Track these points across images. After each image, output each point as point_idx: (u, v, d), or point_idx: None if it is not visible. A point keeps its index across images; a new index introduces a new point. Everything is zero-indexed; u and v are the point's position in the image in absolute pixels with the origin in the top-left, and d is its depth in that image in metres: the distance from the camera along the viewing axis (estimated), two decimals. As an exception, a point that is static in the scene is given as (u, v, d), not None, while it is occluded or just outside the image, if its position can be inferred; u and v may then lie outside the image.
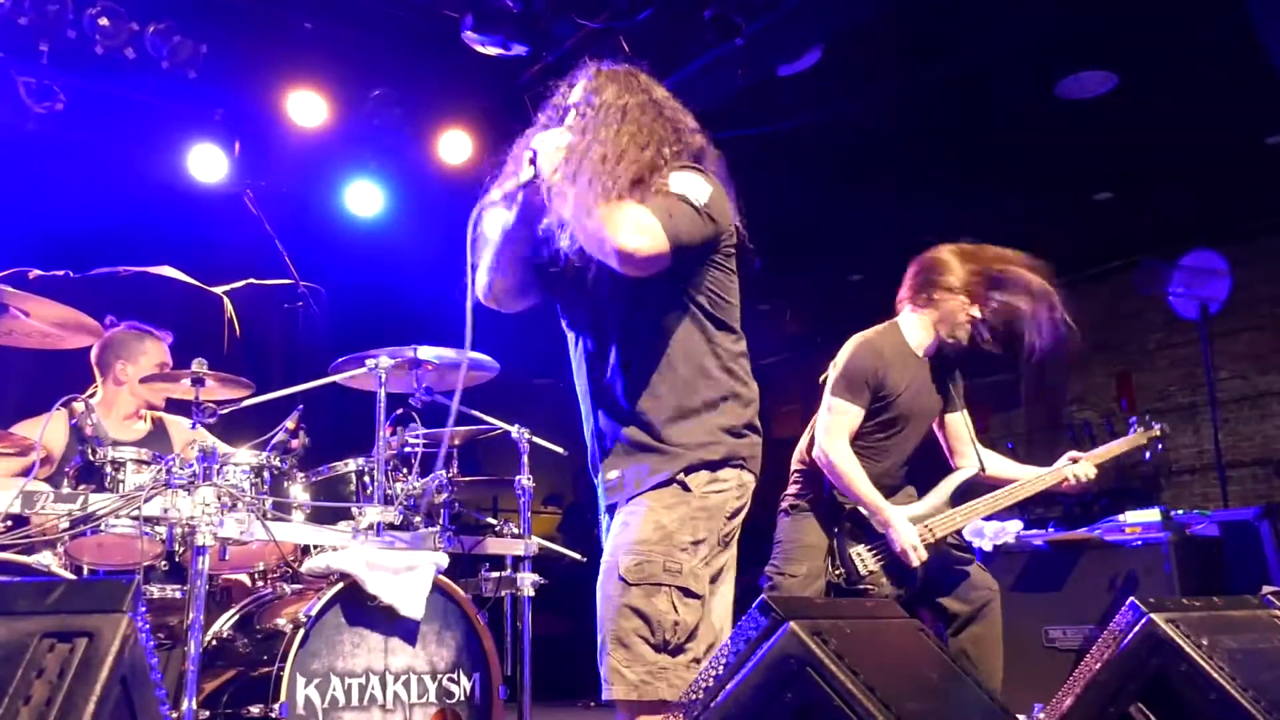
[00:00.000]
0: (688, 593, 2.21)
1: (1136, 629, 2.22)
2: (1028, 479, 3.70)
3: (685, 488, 2.26)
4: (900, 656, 2.10)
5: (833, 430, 3.48)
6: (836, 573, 3.48)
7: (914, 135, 6.09)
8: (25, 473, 3.29)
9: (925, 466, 3.71)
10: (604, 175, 2.24)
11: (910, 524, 3.44)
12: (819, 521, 3.55)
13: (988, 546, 4.66)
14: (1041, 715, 3.73)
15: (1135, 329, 8.25)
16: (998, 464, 3.77)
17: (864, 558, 3.48)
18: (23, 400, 4.10)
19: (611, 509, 2.38)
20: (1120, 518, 4.55)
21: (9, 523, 3.12)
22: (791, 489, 3.66)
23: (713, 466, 2.29)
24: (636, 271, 2.22)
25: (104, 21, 4.95)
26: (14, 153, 5.21)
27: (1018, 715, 2.40)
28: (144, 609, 1.37)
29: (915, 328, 3.61)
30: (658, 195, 2.25)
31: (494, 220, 2.44)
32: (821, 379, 3.62)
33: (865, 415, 3.50)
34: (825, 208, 6.60)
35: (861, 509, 3.47)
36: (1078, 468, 3.69)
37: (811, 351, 6.19)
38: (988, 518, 4.24)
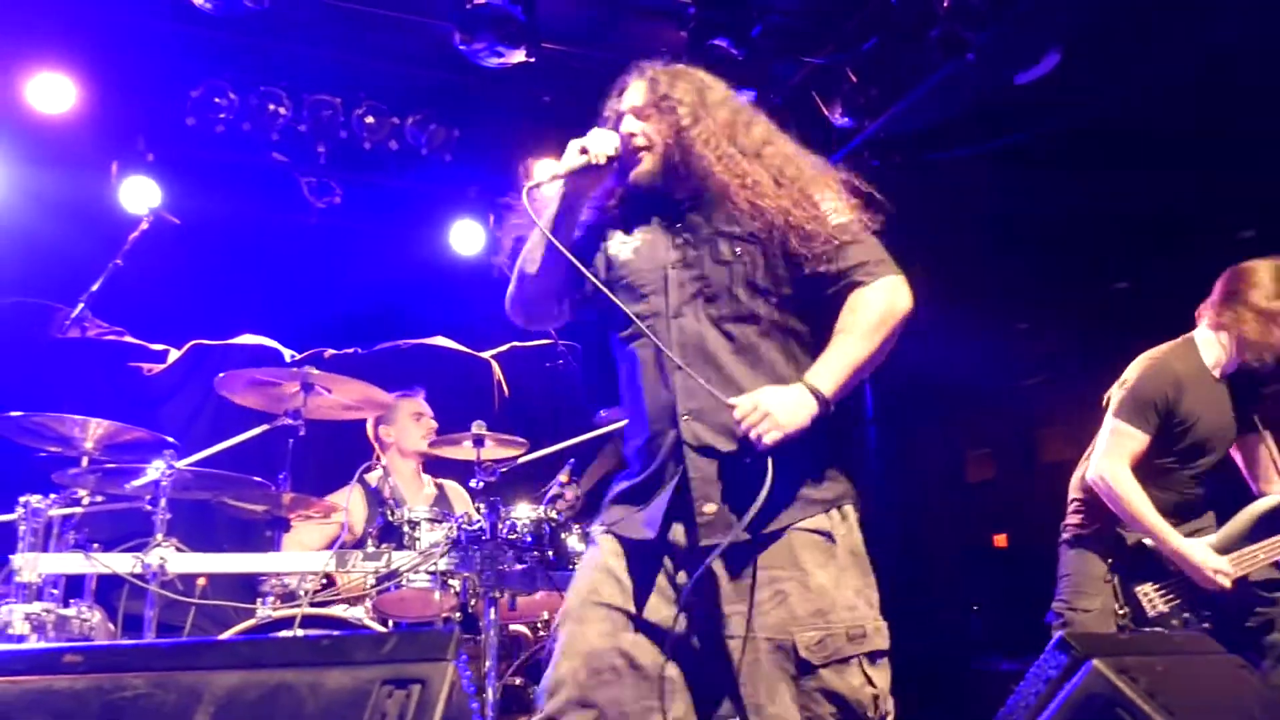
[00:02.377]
0: None
1: None
2: None
3: None
4: (1220, 695, 1.95)
5: (1112, 453, 3.24)
6: (1121, 612, 3.23)
7: (1178, 126, 5.63)
8: (334, 538, 3.64)
9: (1221, 492, 3.39)
10: None
11: (1208, 548, 3.16)
12: (1104, 553, 3.32)
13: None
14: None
15: None
16: None
17: (1152, 598, 3.21)
18: (325, 471, 4.53)
19: None
20: None
21: (324, 581, 3.45)
22: (1074, 518, 3.44)
23: None
24: None
25: (369, 119, 5.50)
26: (301, 245, 5.80)
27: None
28: (464, 657, 1.48)
29: (1213, 345, 3.29)
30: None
31: None
32: (1105, 398, 3.39)
33: (1159, 444, 3.24)
34: (1081, 212, 6.21)
35: (1146, 540, 3.22)
36: None
37: (1075, 369, 5.83)
38: None
